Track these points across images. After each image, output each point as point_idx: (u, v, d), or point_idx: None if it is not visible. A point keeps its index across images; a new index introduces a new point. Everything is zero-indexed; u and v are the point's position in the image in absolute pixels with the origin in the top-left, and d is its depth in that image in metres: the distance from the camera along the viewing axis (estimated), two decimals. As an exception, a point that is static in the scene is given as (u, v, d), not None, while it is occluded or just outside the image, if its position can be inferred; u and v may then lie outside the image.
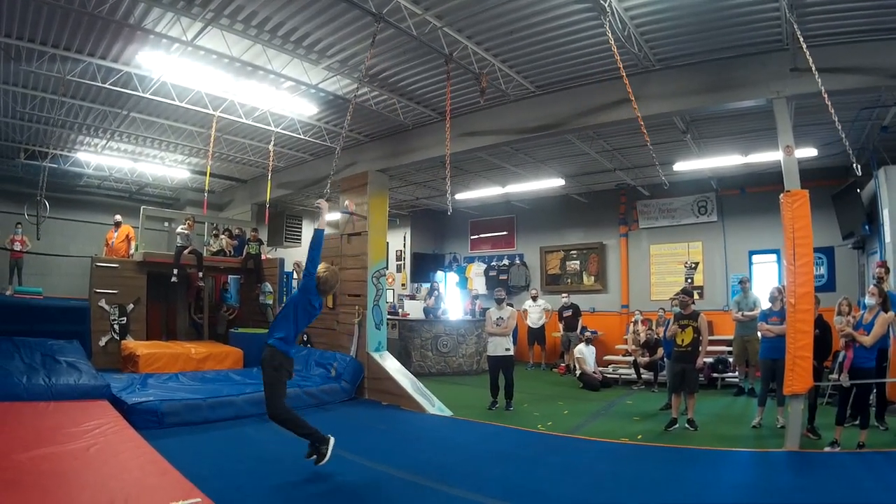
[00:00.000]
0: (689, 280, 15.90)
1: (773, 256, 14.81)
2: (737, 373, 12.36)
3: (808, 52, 6.88)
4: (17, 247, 14.35)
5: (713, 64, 8.80)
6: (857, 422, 7.64)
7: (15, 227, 14.63)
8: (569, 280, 18.82)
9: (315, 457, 6.01)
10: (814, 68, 6.91)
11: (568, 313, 16.14)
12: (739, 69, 8.62)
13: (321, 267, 6.22)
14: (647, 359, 13.11)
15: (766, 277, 14.68)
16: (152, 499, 4.39)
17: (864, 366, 7.43)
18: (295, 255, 18.97)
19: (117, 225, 14.55)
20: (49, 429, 6.50)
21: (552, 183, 15.92)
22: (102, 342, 12.46)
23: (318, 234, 6.18)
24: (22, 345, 9.23)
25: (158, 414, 8.19)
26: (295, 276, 14.00)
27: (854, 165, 7.23)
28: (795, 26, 6.90)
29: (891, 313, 7.49)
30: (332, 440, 6.08)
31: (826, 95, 6.97)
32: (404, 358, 14.68)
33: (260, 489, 5.72)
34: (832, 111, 6.97)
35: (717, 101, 9.02)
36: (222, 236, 15.74)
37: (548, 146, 13.23)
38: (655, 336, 12.95)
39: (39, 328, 10.26)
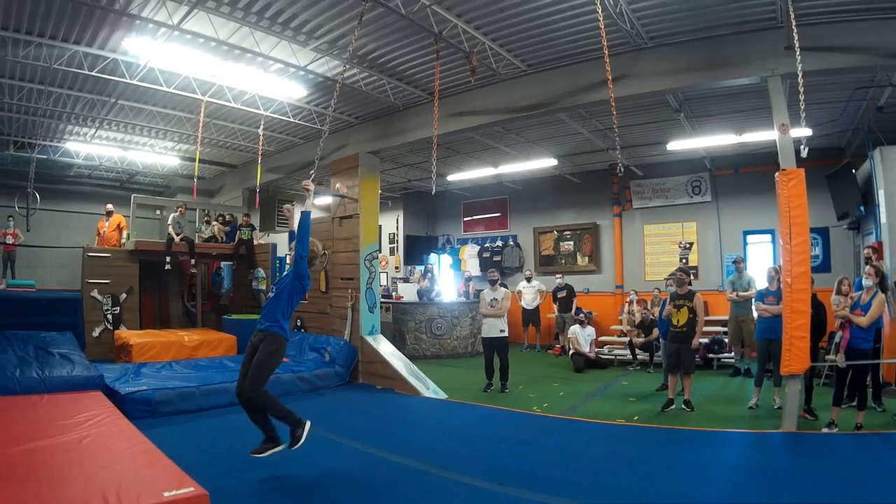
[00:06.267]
0: (684, 260, 15.90)
1: (768, 237, 14.80)
2: (732, 353, 12.34)
3: (795, 32, 6.82)
4: (9, 240, 14.27)
5: (706, 41, 8.70)
6: (854, 403, 7.64)
7: (7, 220, 14.53)
8: (563, 261, 18.79)
9: (266, 447, 5.82)
10: (797, 48, 6.86)
11: (562, 294, 16.11)
12: (733, 47, 8.52)
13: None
14: (642, 339, 13.11)
15: (760, 257, 14.69)
16: (144, 489, 4.33)
17: (861, 346, 7.41)
18: (287, 240, 18.91)
19: (108, 214, 14.47)
20: (42, 422, 6.47)
21: (544, 163, 15.81)
22: (96, 333, 12.45)
23: (304, 217, 5.96)
24: (14, 338, 9.19)
25: (152, 403, 8.18)
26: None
27: (802, 147, 7.20)
28: (789, 3, 6.82)
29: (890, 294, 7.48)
30: (307, 424, 5.88)
31: (801, 76, 6.95)
32: (398, 341, 14.67)
33: (253, 476, 5.69)
34: (801, 91, 6.93)
35: (711, 79, 8.92)
36: (214, 222, 15.67)
37: (540, 126, 13.15)
38: (651, 316, 12.92)
39: (32, 320, 10.21)
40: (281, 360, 6.04)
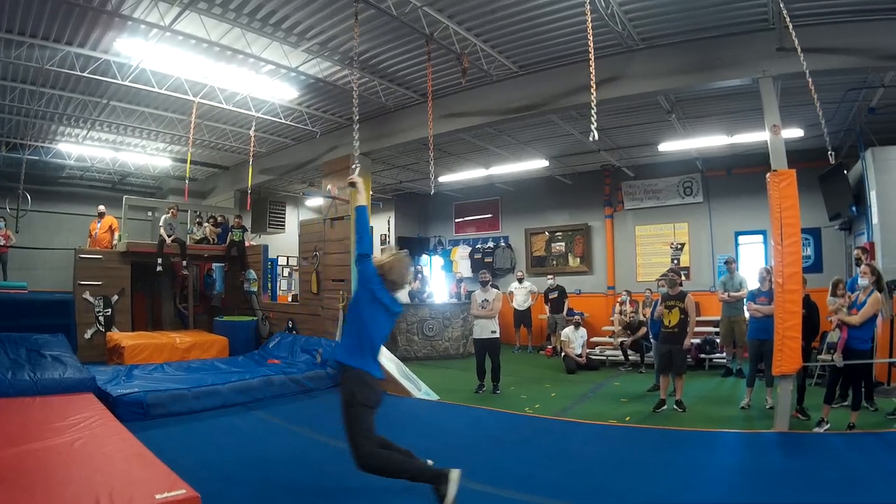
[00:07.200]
0: (676, 261, 15.91)
1: (760, 237, 14.83)
2: (724, 354, 12.36)
3: (793, 32, 6.84)
4: (1, 241, 14.18)
5: (698, 43, 8.74)
6: (846, 402, 7.65)
7: None
8: (554, 262, 18.80)
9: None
10: (799, 49, 6.87)
11: (554, 295, 16.11)
12: (725, 48, 8.56)
13: (385, 255, 5.11)
14: (629, 339, 13.10)
15: (752, 258, 14.75)
16: (137, 492, 4.32)
17: (859, 347, 7.41)
18: (278, 242, 18.88)
19: (100, 215, 14.44)
20: (34, 424, 6.42)
21: (536, 164, 15.86)
22: (88, 335, 12.42)
23: (361, 211, 5.32)
24: (7, 340, 9.13)
25: (144, 405, 8.12)
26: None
27: (830, 154, 7.34)
28: (781, 5, 6.84)
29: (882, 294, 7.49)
30: (453, 474, 4.78)
31: (808, 74, 6.96)
32: (390, 342, 14.58)
33: (246, 479, 5.68)
34: (813, 91, 6.96)
35: (703, 81, 8.96)
36: (205, 224, 15.65)
37: (531, 127, 13.17)
38: (640, 318, 12.97)
39: (24, 323, 10.20)
40: (367, 403, 4.71)
